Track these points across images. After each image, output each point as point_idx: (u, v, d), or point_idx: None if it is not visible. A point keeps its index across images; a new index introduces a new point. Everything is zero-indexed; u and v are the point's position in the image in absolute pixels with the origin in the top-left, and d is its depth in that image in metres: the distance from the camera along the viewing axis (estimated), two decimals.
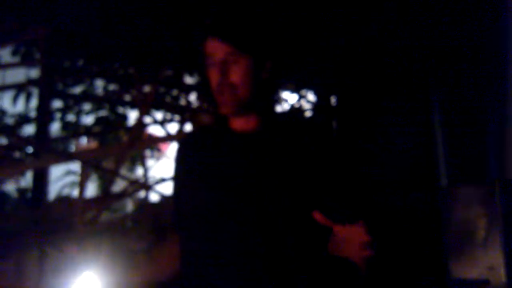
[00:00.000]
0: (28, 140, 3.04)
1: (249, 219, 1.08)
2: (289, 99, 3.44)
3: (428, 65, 2.94)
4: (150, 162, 3.55)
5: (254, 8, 1.21)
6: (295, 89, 3.26)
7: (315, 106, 3.21)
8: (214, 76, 1.13)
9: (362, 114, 3.08)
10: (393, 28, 2.86)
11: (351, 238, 1.05)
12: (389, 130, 3.02)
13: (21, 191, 3.16)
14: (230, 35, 1.12)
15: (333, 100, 3.22)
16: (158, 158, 4.09)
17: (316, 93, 3.30)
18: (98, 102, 3.04)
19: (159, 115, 3.15)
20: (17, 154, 3.03)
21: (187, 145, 1.28)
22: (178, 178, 1.25)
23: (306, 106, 3.29)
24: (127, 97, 3.08)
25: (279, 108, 3.49)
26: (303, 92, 3.32)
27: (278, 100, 3.49)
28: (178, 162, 1.25)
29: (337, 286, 1.10)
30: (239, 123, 1.18)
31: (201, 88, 3.09)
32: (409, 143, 2.95)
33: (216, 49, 1.11)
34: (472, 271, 2.16)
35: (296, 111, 3.25)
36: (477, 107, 2.76)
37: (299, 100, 3.29)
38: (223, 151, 1.17)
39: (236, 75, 1.11)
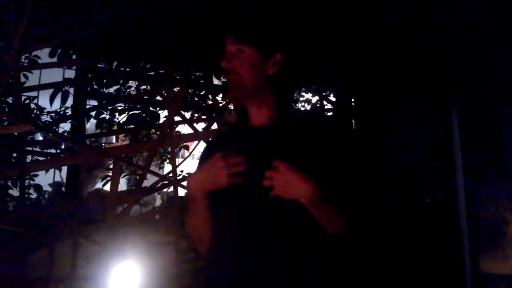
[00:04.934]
0: (64, 137, 3.00)
1: (264, 205, 1.09)
2: (310, 98, 3.37)
3: (446, 65, 2.86)
4: (177, 160, 3.51)
5: (267, 6, 1.22)
6: (316, 89, 3.19)
7: (335, 105, 3.15)
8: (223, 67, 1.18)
9: (381, 113, 3.01)
10: (412, 29, 2.79)
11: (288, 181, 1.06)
12: (407, 129, 2.94)
13: (57, 185, 3.13)
14: (235, 28, 1.18)
15: (352, 99, 3.15)
16: (183, 156, 4.05)
17: (336, 93, 3.23)
18: (130, 102, 3.01)
19: (187, 114, 3.10)
20: (53, 150, 3.00)
21: (212, 145, 1.34)
22: None
23: (327, 106, 3.22)
24: (158, 98, 3.04)
25: (301, 107, 3.44)
26: (324, 92, 3.25)
27: (297, 97, 3.42)
28: (204, 159, 1.28)
29: (342, 269, 1.11)
30: (257, 119, 1.20)
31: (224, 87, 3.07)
32: (427, 141, 2.88)
33: (228, 43, 1.18)
34: (503, 266, 2.08)
35: (317, 109, 3.19)
36: (494, 104, 2.68)
37: (320, 99, 3.23)
38: (239, 145, 1.19)
39: (239, 63, 1.15)
